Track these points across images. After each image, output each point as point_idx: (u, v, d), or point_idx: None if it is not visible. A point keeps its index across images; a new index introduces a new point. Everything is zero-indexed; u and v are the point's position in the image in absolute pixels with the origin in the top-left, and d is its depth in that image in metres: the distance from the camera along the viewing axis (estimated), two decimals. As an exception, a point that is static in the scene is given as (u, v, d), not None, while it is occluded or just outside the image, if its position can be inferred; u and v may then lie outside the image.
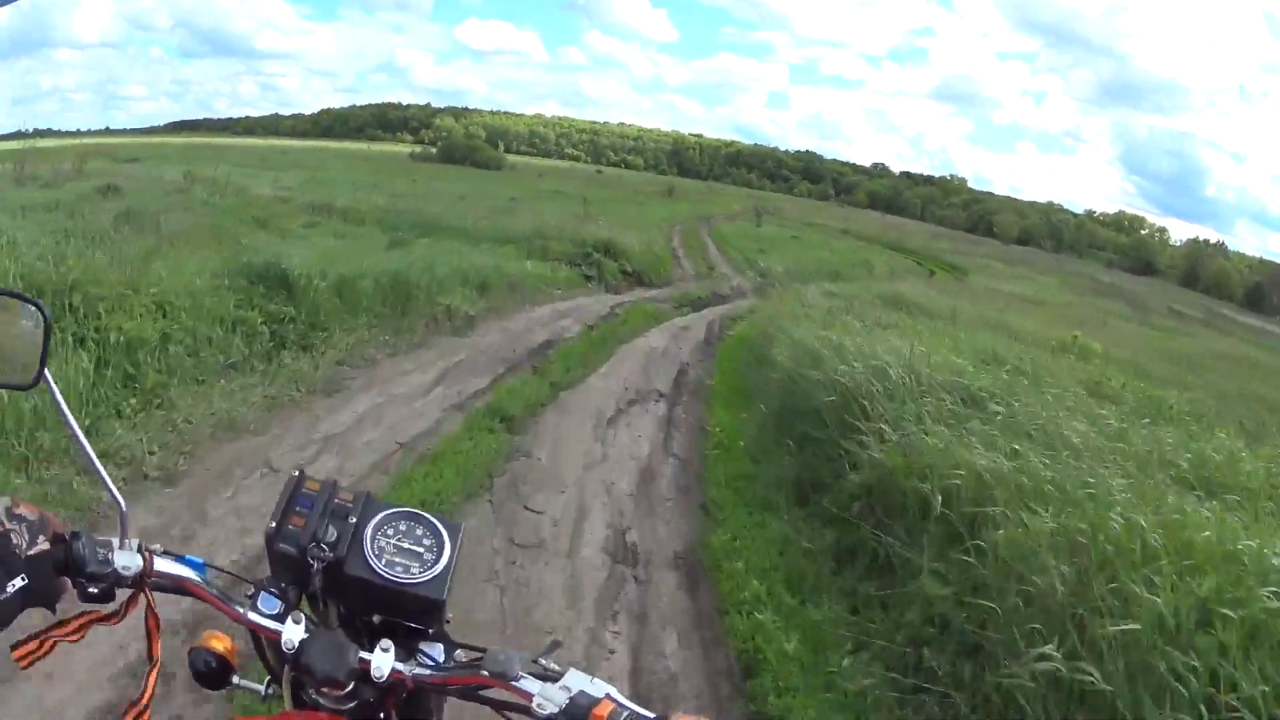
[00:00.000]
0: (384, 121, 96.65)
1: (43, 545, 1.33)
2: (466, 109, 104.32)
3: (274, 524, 1.43)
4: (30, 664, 1.38)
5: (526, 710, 1.28)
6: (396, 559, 1.44)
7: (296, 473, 1.52)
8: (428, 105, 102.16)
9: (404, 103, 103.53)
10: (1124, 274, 80.00)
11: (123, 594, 1.44)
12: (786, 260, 33.50)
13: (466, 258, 16.92)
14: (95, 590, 1.39)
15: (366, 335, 11.04)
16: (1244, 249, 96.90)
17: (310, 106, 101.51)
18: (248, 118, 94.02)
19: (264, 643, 1.48)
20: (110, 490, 1.47)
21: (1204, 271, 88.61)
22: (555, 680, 1.29)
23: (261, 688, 1.55)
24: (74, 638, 1.40)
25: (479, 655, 1.39)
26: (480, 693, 1.39)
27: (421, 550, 1.46)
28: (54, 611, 1.39)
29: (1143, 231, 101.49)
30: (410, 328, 11.90)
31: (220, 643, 1.48)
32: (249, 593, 1.46)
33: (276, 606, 1.42)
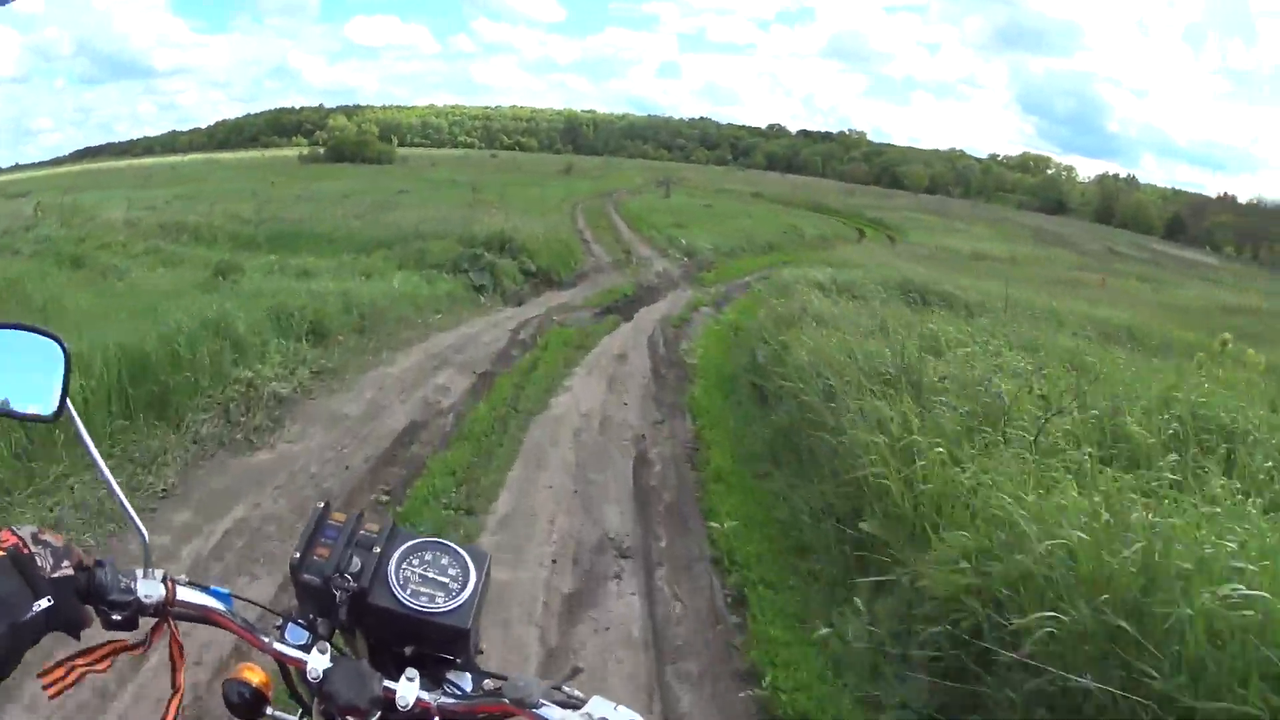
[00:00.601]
0: (278, 127, 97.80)
1: (66, 570, 1.26)
2: (358, 106, 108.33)
3: (298, 555, 1.41)
4: (58, 693, 1.31)
5: None
6: (422, 589, 1.40)
7: (322, 504, 1.48)
8: (320, 106, 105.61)
9: (296, 106, 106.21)
10: (1038, 214, 78.58)
11: (147, 623, 1.37)
12: (709, 233, 29.51)
13: (312, 282, 12.76)
14: (118, 618, 1.33)
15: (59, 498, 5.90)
16: (1153, 181, 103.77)
17: (207, 120, 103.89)
18: (146, 138, 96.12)
19: (293, 674, 1.41)
20: (132, 519, 1.41)
21: (1119, 206, 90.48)
22: (578, 707, 1.25)
23: (294, 719, 1.44)
24: (101, 667, 1.34)
25: (500, 681, 1.36)
26: None
27: (447, 580, 1.42)
28: (78, 639, 1.31)
29: (1049, 171, 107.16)
30: (155, 458, 6.70)
31: (254, 674, 1.37)
32: (277, 624, 1.40)
33: (303, 637, 1.37)
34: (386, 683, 1.30)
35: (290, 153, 77.63)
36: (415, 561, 1.43)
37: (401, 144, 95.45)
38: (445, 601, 1.38)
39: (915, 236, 40.62)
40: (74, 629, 1.30)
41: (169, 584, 1.36)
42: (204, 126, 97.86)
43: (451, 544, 1.46)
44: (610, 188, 52.00)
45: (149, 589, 1.34)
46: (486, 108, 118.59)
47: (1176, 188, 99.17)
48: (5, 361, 1.47)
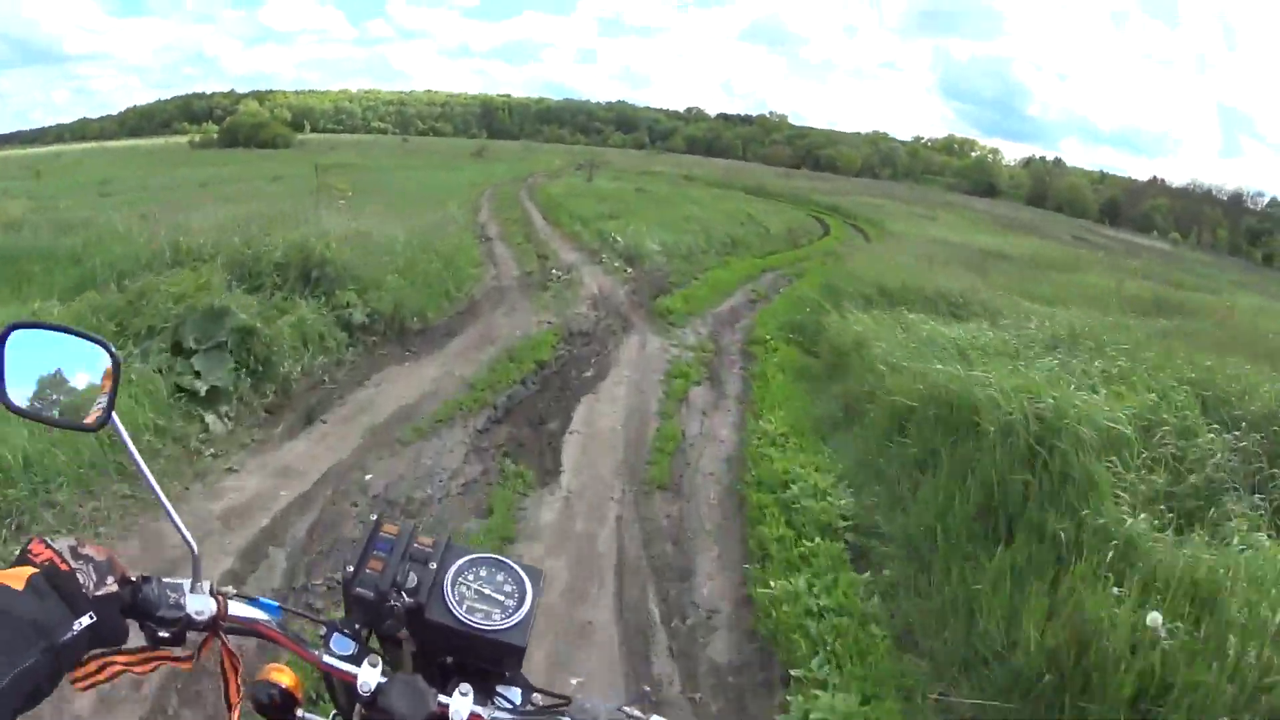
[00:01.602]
0: (189, 113, 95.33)
1: (110, 586, 1.18)
2: (271, 91, 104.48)
3: (351, 568, 1.34)
4: (87, 687, 1.23)
5: None
6: (478, 605, 1.35)
7: (374, 517, 1.56)
8: (231, 92, 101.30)
9: (208, 92, 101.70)
10: (971, 197, 75.69)
11: (194, 637, 1.32)
12: (653, 226, 21.40)
13: None
14: (166, 634, 1.28)
15: None
16: (1077, 165, 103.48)
17: (121, 106, 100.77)
18: (58, 125, 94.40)
19: (336, 684, 1.37)
20: (182, 533, 1.35)
21: (1051, 190, 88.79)
22: None
23: None
24: (141, 669, 1.29)
25: (562, 702, 1.32)
26: None
27: (502, 597, 1.36)
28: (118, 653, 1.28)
29: (974, 154, 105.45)
30: None
31: (284, 675, 1.33)
32: (321, 634, 1.34)
33: (350, 648, 1.31)
34: (440, 697, 1.24)
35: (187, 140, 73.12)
36: (471, 578, 1.36)
37: (314, 129, 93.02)
38: (502, 619, 1.32)
39: (894, 227, 32.44)
40: (115, 643, 1.20)
41: (220, 598, 1.31)
42: (115, 113, 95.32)
43: (508, 560, 1.40)
44: (527, 171, 46.51)
45: (199, 604, 1.28)
46: (401, 93, 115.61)
47: (1104, 170, 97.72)
48: (51, 365, 1.36)
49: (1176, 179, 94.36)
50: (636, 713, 1.23)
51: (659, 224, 22.06)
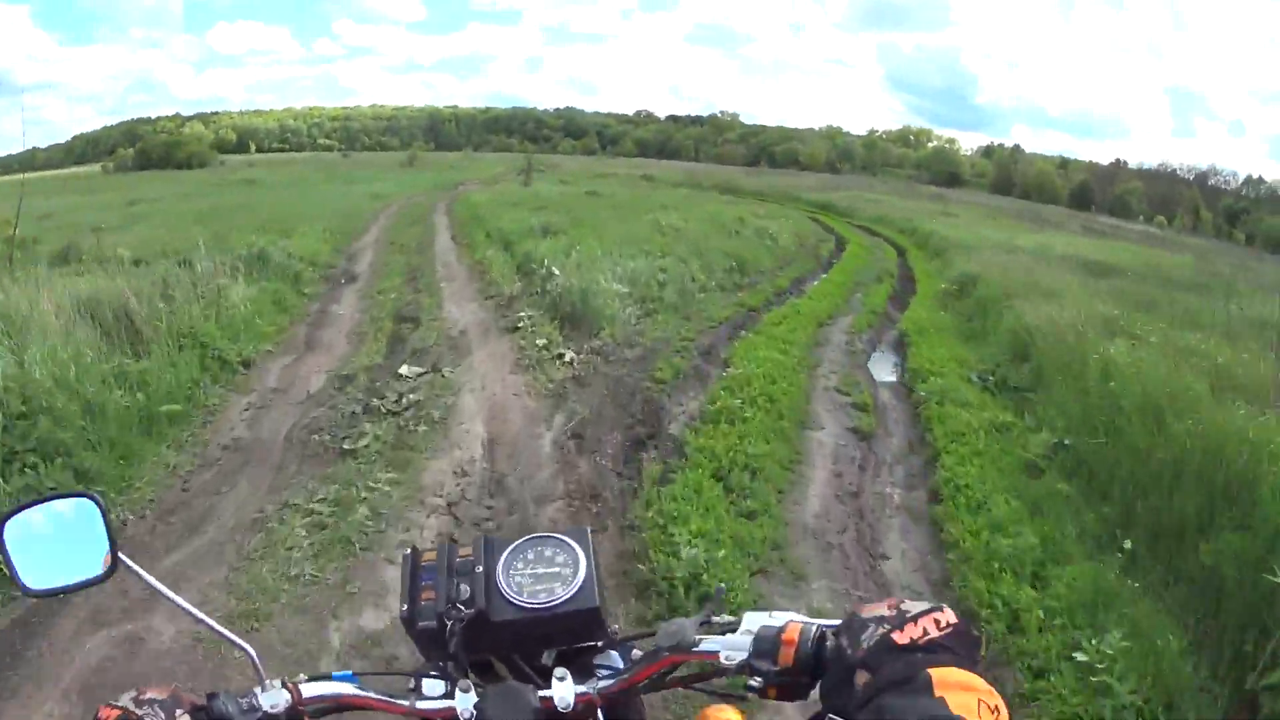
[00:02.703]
0: (133, 138, 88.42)
1: (183, 719, 1.08)
2: (215, 114, 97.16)
3: (405, 608, 1.22)
4: None
5: (717, 670, 1.11)
6: (538, 587, 1.22)
7: (407, 552, 1.27)
8: (176, 115, 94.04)
9: (153, 116, 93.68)
10: (937, 187, 69.12)
11: None
12: (611, 246, 13.69)
13: None
14: None
15: None
16: (1034, 151, 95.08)
17: (72, 135, 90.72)
18: (7, 156, 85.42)
19: None
20: (231, 639, 1.20)
21: (1018, 177, 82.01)
22: (735, 629, 1.09)
23: None
24: None
25: (650, 635, 1.18)
26: (669, 677, 1.17)
27: (558, 569, 1.24)
28: None
29: (930, 144, 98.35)
30: None
31: None
32: (409, 686, 1.20)
33: (441, 688, 1.17)
34: (541, 692, 1.13)
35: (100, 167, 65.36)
36: (520, 564, 1.24)
37: (258, 149, 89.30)
38: (565, 589, 1.20)
39: (931, 229, 24.04)
40: None
41: (291, 687, 1.16)
42: (64, 142, 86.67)
43: (550, 534, 1.27)
44: (457, 180, 39.35)
45: (273, 699, 1.14)
46: (346, 108, 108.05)
47: (1063, 156, 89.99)
48: (46, 538, 1.27)
49: (1134, 160, 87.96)
50: (726, 616, 1.12)
51: (621, 241, 14.19)
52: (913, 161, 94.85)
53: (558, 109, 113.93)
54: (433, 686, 1.17)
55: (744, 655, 1.05)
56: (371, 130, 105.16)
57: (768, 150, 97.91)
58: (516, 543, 1.26)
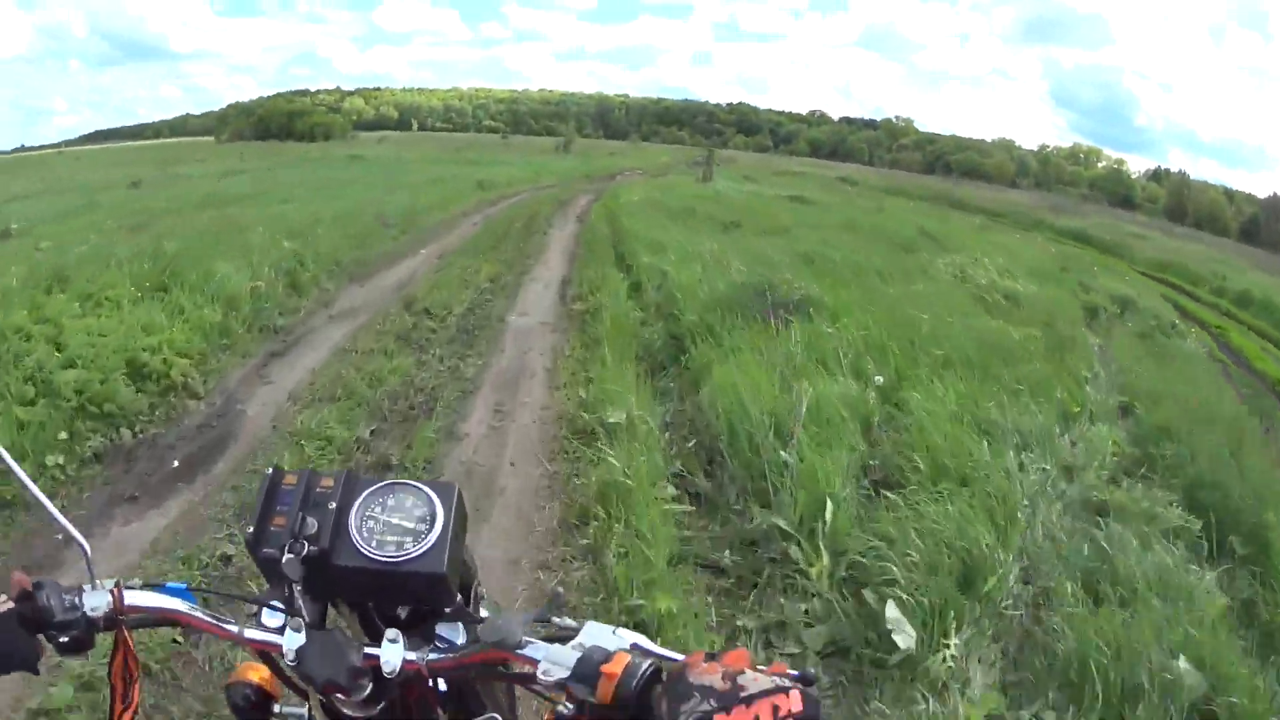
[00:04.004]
0: (290, 109, 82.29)
1: (5, 604, 1.02)
2: (378, 90, 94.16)
3: (251, 530, 1.08)
4: None
5: (533, 680, 0.99)
6: (388, 537, 1.08)
7: (270, 470, 1.12)
8: (337, 89, 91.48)
9: (312, 89, 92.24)
10: (1113, 209, 65.27)
11: (107, 639, 1.07)
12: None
13: None
14: (66, 640, 1.04)
15: None
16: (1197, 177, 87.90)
17: (228, 103, 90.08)
18: (159, 121, 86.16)
19: (280, 662, 1.07)
20: (69, 531, 1.08)
21: (1191, 205, 74.57)
22: (568, 639, 0.98)
23: (304, 712, 1.17)
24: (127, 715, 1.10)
25: (479, 622, 1.06)
26: (504, 671, 1.09)
27: (412, 524, 1.09)
28: (36, 672, 1.04)
29: (1100, 164, 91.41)
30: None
31: (256, 672, 1.17)
32: (251, 611, 1.08)
33: (280, 620, 1.05)
34: (368, 649, 1.02)
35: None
36: (377, 509, 1.09)
37: (421, 127, 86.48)
38: (414, 546, 1.06)
39: None
40: (29, 665, 1.03)
41: (115, 591, 1.06)
42: (217, 110, 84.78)
43: (414, 483, 1.11)
44: (615, 168, 31.84)
45: (95, 601, 1.05)
46: (513, 91, 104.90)
47: (1223, 186, 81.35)
48: None
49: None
50: (568, 621, 1.03)
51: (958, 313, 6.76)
52: (1085, 180, 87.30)
53: (730, 104, 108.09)
54: (272, 618, 1.03)
55: (564, 674, 0.94)
56: (539, 115, 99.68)
57: (943, 159, 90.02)
58: (378, 485, 1.10)
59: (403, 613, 1.11)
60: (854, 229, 13.38)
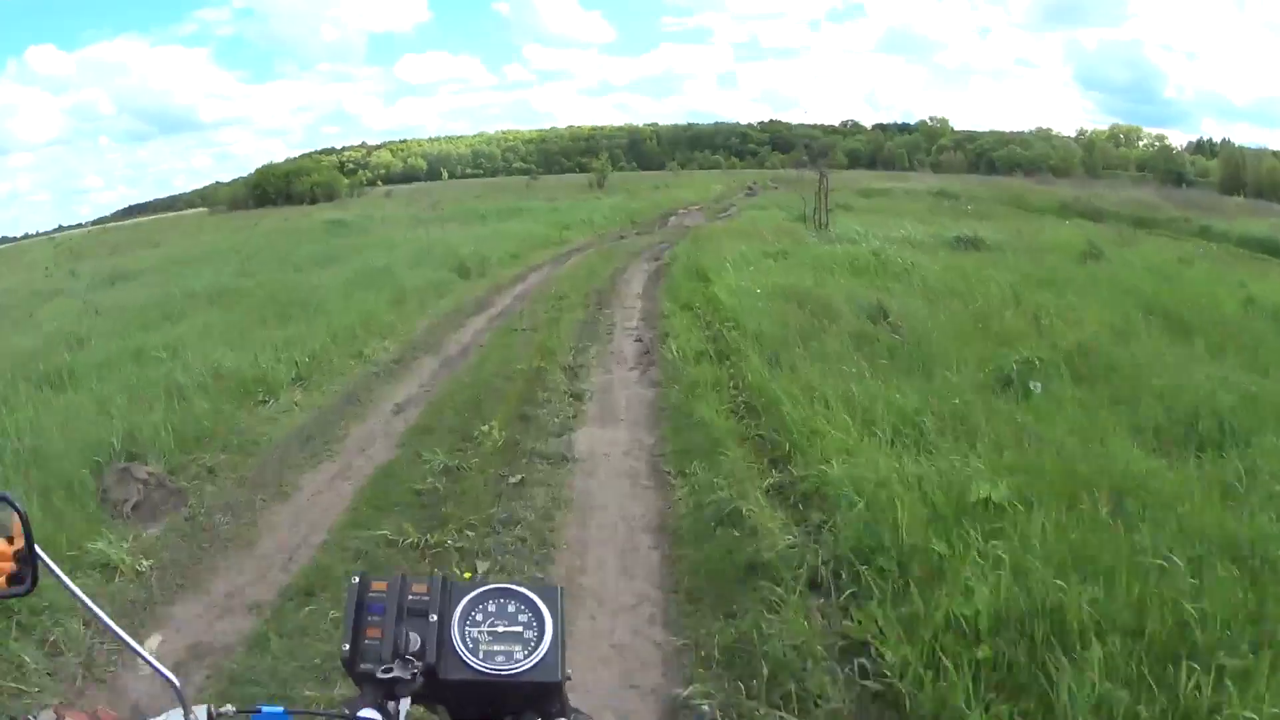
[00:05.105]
0: (325, 168, 77.00)
1: None
2: (404, 141, 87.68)
3: (347, 646, 1.00)
4: None
5: None
6: (495, 648, 1.01)
7: (356, 579, 1.05)
8: (363, 144, 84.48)
9: (338, 146, 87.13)
10: (1170, 189, 56.02)
11: None
12: None
13: None
14: None
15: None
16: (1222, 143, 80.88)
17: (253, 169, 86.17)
18: (190, 191, 78.48)
19: None
20: (155, 667, 1.02)
21: (1248, 175, 62.52)
22: None
23: None
24: None
25: None
26: None
27: (520, 629, 1.03)
28: None
29: (1141, 142, 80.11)
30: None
31: None
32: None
33: None
34: None
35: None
36: (479, 617, 1.02)
37: (451, 175, 79.33)
38: (526, 656, 0.99)
39: None
40: None
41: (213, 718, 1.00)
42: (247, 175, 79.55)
43: (515, 586, 1.05)
44: (669, 204, 24.51)
45: None
46: (541, 130, 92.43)
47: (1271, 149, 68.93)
48: None
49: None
50: None
51: None
52: (1133, 161, 76.73)
53: (761, 122, 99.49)
54: None
55: None
56: (570, 151, 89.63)
57: (986, 156, 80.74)
58: (478, 590, 1.04)
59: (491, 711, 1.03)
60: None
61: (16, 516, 1.03)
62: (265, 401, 6.25)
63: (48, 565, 0.98)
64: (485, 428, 5.37)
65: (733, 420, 5.24)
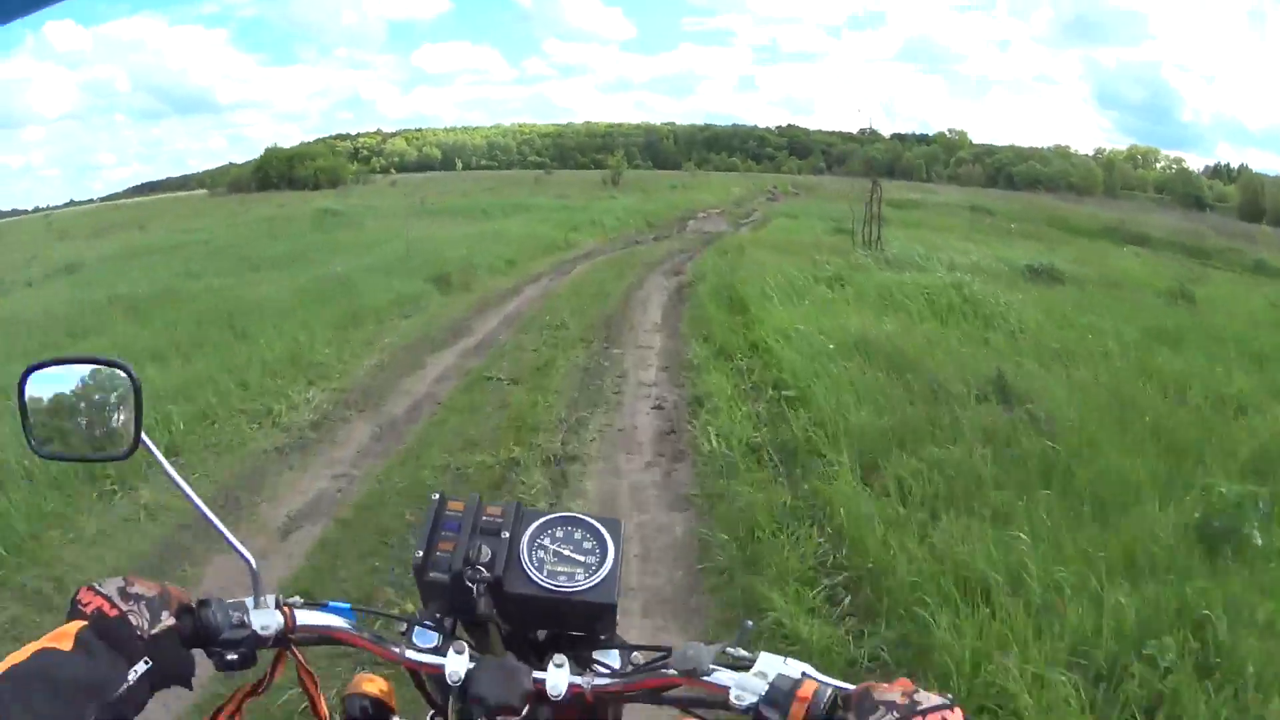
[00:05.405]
0: (333, 153, 77.37)
1: (167, 621, 0.97)
2: (420, 130, 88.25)
3: (420, 553, 1.05)
4: None
5: (724, 704, 0.99)
6: (559, 568, 1.07)
7: (436, 496, 1.10)
8: (378, 131, 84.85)
9: (353, 132, 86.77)
10: (1193, 213, 46.97)
11: (265, 656, 1.02)
12: None
13: None
14: (234, 656, 1.01)
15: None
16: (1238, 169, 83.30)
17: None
18: (203, 171, 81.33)
19: (425, 679, 1.09)
20: (237, 549, 1.04)
21: (1267, 203, 66.43)
22: (747, 668, 0.98)
23: None
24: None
25: (663, 655, 1.05)
26: (665, 695, 1.05)
27: (583, 556, 1.08)
28: (190, 688, 1.00)
29: (1158, 164, 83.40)
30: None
31: (374, 685, 1.12)
32: (401, 629, 1.07)
33: (433, 640, 1.04)
34: (535, 673, 0.99)
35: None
36: (547, 540, 1.08)
37: (466, 167, 71.80)
38: (586, 578, 1.05)
39: None
40: (184, 681, 0.98)
41: (286, 610, 1.03)
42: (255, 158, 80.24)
43: (583, 516, 1.11)
44: (687, 206, 23.16)
45: (265, 619, 1.01)
46: (558, 125, 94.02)
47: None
48: (73, 400, 1.10)
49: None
50: (741, 651, 0.99)
51: None
52: (1150, 183, 76.31)
53: (780, 127, 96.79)
54: (425, 637, 1.03)
55: (754, 698, 0.93)
56: (586, 147, 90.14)
57: (1005, 170, 79.14)
58: (548, 516, 1.10)
59: (542, 634, 1.07)
60: None
61: (130, 384, 1.04)
62: (105, 495, 4.22)
63: (146, 445, 1.00)
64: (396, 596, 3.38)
65: (831, 621, 3.10)
